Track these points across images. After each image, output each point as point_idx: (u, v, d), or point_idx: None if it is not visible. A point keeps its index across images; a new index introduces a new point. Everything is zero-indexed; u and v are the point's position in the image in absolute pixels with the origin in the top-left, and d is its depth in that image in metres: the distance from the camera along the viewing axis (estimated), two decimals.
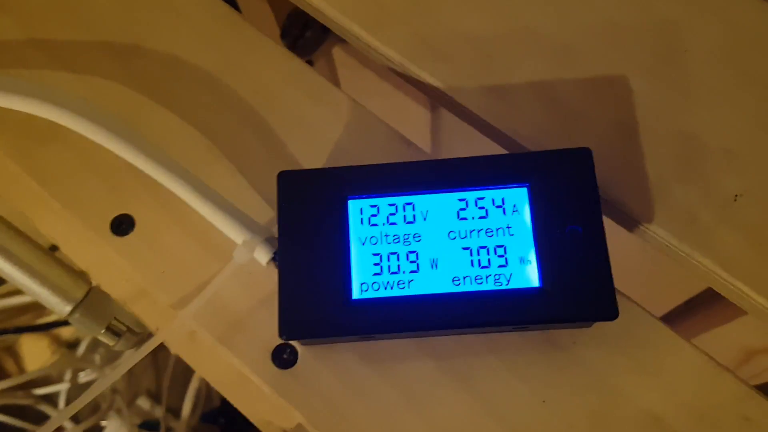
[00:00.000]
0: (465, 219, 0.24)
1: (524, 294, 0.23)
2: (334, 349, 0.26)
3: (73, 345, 0.72)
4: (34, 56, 0.32)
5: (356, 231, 0.24)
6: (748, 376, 0.25)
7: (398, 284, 0.24)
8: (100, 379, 0.29)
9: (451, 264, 0.24)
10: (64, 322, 0.69)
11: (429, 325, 0.24)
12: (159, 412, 0.67)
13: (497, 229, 0.24)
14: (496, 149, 0.29)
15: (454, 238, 0.24)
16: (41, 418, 0.68)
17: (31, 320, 0.71)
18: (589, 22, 0.30)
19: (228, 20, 0.32)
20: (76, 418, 0.64)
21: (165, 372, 0.67)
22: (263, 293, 0.27)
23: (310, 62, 0.50)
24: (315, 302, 0.24)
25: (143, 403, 0.70)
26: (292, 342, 0.26)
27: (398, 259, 0.24)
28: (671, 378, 0.25)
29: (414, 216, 0.24)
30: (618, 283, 0.24)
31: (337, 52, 0.53)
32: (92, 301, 0.28)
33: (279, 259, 0.24)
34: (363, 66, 0.53)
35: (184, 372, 0.67)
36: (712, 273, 0.26)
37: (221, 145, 0.29)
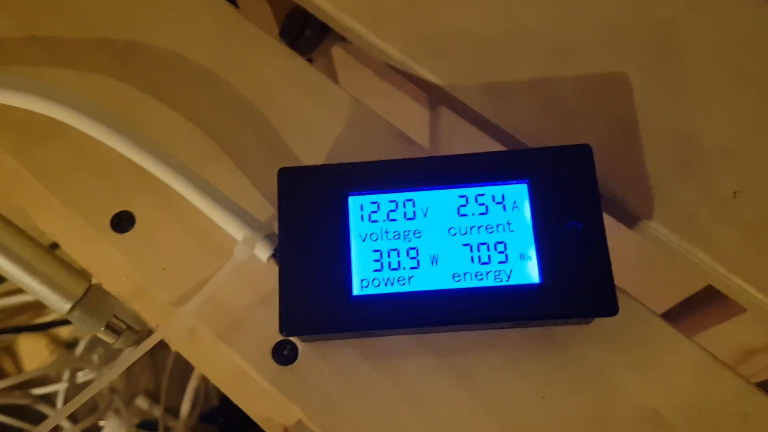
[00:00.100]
0: (465, 215, 0.24)
1: (524, 290, 0.23)
2: (335, 345, 0.26)
3: (71, 345, 0.72)
4: (33, 54, 0.32)
5: (356, 227, 0.24)
6: (746, 375, 0.25)
7: (398, 280, 0.24)
8: (98, 378, 0.29)
9: (451, 260, 0.24)
10: (62, 322, 0.70)
11: (429, 321, 0.24)
12: (157, 412, 0.67)
13: (497, 226, 0.24)
14: (495, 148, 0.29)
15: (455, 234, 0.24)
16: (39, 418, 0.68)
17: (29, 320, 0.71)
18: (587, 21, 0.30)
19: (228, 18, 0.32)
20: (74, 418, 0.64)
21: (163, 372, 0.67)
22: (264, 290, 0.27)
23: (309, 61, 0.50)
24: (315, 298, 0.24)
25: (141, 402, 0.70)
26: (292, 338, 0.26)
27: (398, 256, 0.24)
28: (671, 374, 0.25)
29: (414, 212, 0.24)
30: (617, 281, 0.24)
31: (336, 51, 0.53)
32: (92, 298, 0.28)
33: (279, 255, 0.24)
34: (362, 65, 0.54)
35: (183, 371, 0.67)
36: (711, 269, 0.26)
37: (221, 142, 0.29)
